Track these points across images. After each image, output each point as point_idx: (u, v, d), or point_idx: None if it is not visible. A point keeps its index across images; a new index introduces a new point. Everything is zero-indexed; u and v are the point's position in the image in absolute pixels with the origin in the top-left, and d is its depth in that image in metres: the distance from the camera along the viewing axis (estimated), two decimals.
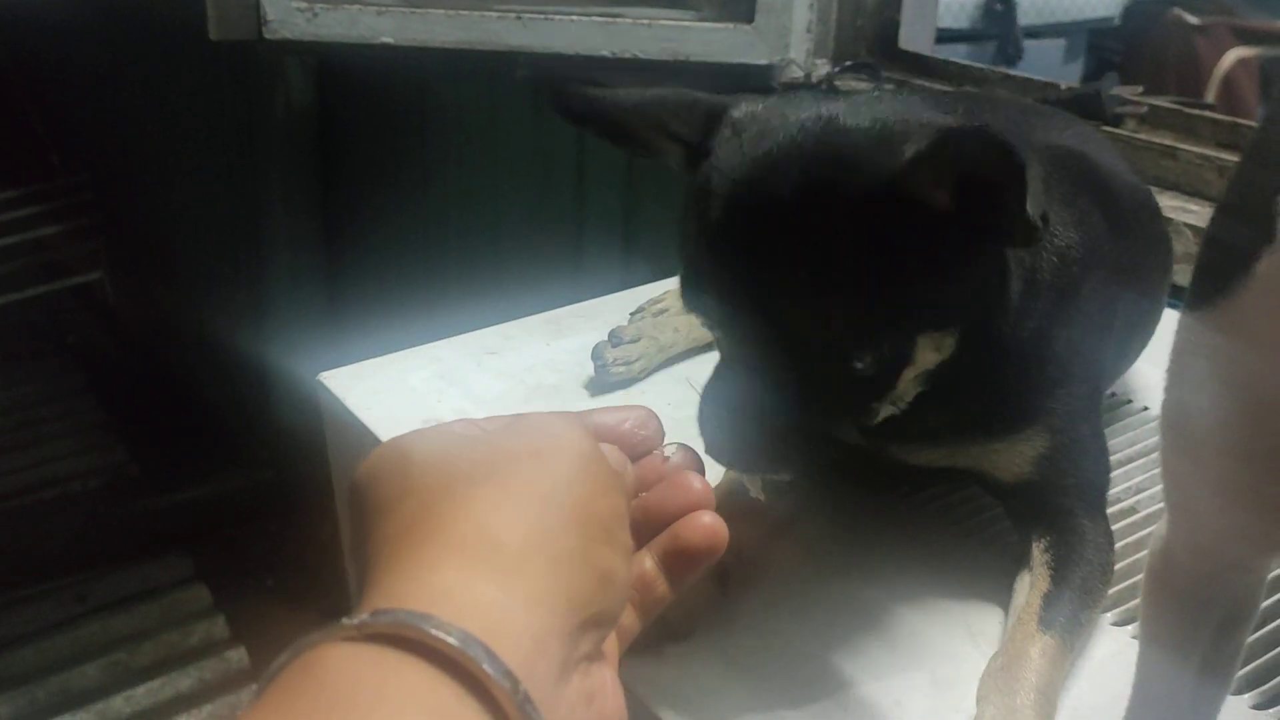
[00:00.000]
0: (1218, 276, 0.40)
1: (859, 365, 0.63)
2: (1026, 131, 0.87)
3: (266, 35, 1.43)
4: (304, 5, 1.41)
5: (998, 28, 2.63)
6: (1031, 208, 0.55)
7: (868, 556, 0.80)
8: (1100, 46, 2.95)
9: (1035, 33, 2.76)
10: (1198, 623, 0.49)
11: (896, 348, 0.65)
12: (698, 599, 0.73)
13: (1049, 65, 2.73)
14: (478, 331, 1.11)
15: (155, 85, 2.94)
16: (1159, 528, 0.50)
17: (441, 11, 1.40)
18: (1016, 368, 0.72)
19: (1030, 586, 0.70)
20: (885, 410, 0.69)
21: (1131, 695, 0.54)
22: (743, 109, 0.67)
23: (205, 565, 2.69)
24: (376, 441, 0.94)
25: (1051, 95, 1.25)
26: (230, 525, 2.79)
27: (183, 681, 2.40)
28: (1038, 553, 0.71)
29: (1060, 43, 2.81)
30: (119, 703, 2.34)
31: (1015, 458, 0.74)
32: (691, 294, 0.69)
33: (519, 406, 0.99)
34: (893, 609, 0.75)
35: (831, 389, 0.66)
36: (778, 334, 0.64)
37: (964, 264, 0.64)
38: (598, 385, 1.01)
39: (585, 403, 0.99)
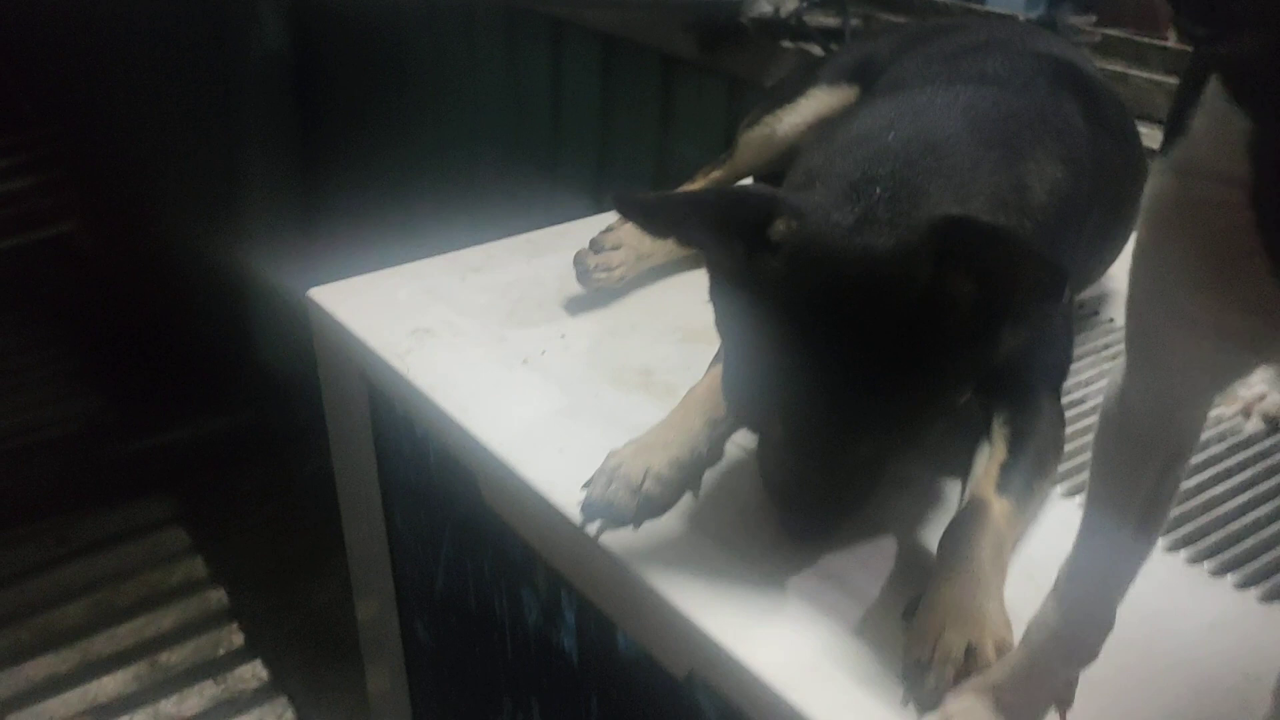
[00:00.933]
0: (1174, 129, 0.45)
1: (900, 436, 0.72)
2: (1029, 43, 0.93)
3: None
4: None
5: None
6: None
7: None
8: None
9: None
10: (1146, 459, 0.54)
11: (932, 411, 0.73)
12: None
13: None
14: (461, 251, 1.15)
15: (126, 33, 2.93)
16: (1114, 378, 0.55)
17: None
18: None
19: (989, 457, 0.75)
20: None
21: (1075, 542, 0.59)
22: (784, 223, 0.71)
23: (185, 507, 2.72)
24: (367, 352, 0.99)
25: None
26: (210, 467, 2.82)
27: (164, 620, 2.43)
28: (997, 426, 0.77)
29: None
30: (101, 641, 2.37)
31: None
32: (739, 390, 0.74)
33: (504, 319, 1.03)
34: None
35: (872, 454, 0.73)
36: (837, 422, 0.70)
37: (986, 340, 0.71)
38: (581, 296, 1.05)
39: (568, 317, 1.04)
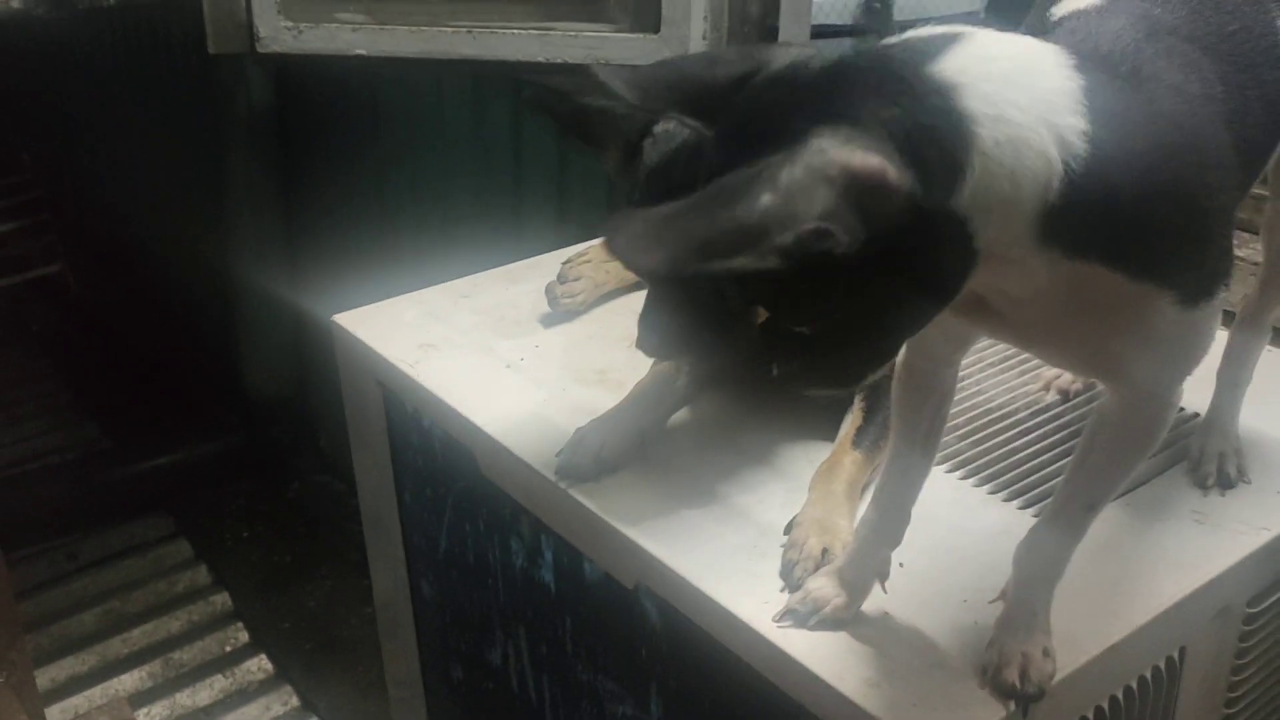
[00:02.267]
0: None
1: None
2: None
3: (259, 49, 1.72)
4: (290, 24, 1.71)
5: (876, 23, 3.02)
6: None
7: (748, 418, 1.14)
8: None
9: (909, 26, 3.14)
10: (923, 401, 0.83)
11: None
12: (623, 446, 1.06)
13: None
14: (453, 281, 1.43)
15: (118, 85, 3.13)
16: (900, 356, 0.84)
17: (405, 28, 1.71)
18: None
19: (849, 421, 1.05)
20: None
21: (884, 466, 0.88)
22: (663, 125, 0.99)
23: (185, 523, 2.92)
24: (383, 362, 1.26)
25: None
26: (206, 486, 3.04)
27: (173, 624, 2.64)
28: (858, 402, 1.06)
29: None
30: (117, 644, 2.58)
31: None
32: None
33: (490, 334, 1.31)
34: (763, 445, 1.09)
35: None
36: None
37: None
38: (550, 316, 1.34)
39: (541, 331, 1.32)
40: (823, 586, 0.88)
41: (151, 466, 3.09)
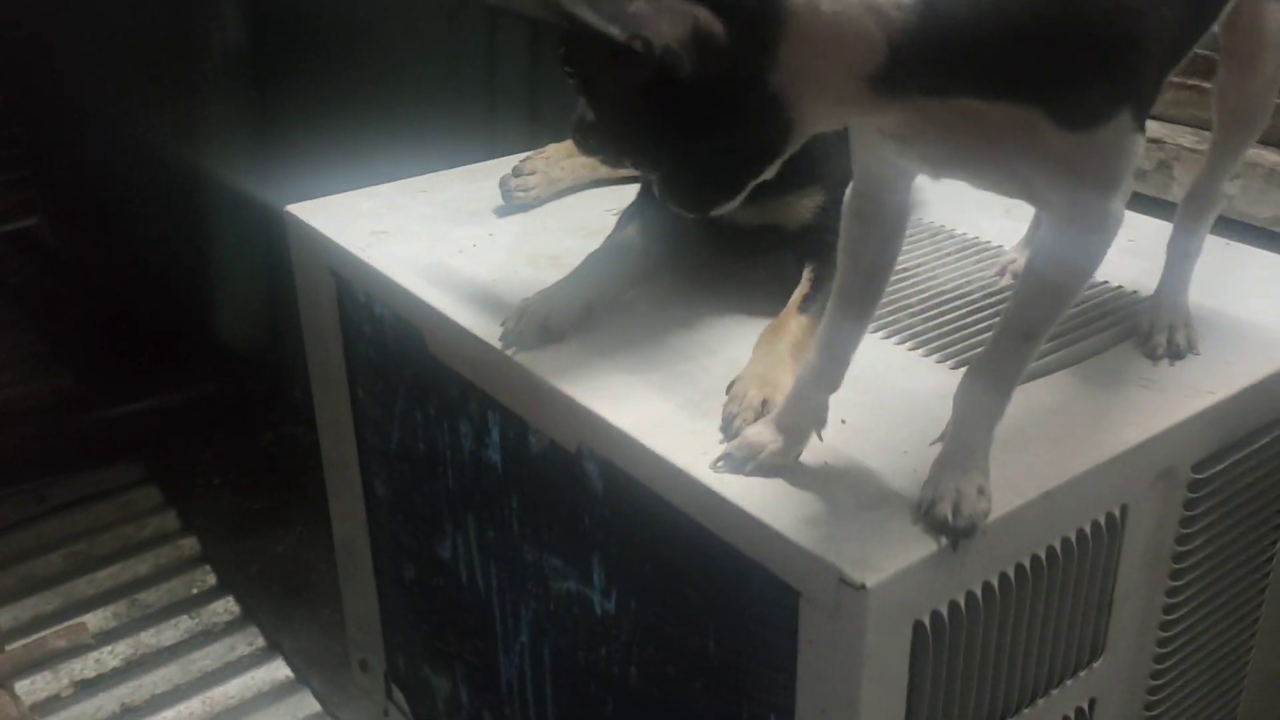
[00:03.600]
0: None
1: None
2: None
3: None
4: None
5: None
6: None
7: (698, 295, 1.13)
8: None
9: None
10: (869, 231, 0.82)
11: None
12: (569, 316, 1.05)
13: None
14: (412, 178, 1.42)
15: (86, 31, 3.11)
16: (851, 183, 0.83)
17: None
18: (808, 144, 1.06)
19: (798, 291, 1.03)
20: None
21: (827, 309, 0.87)
22: None
23: (156, 470, 2.91)
24: (334, 248, 1.25)
25: None
26: (178, 434, 3.03)
27: (140, 566, 2.63)
28: (807, 272, 1.05)
29: None
30: (83, 585, 2.56)
31: (799, 208, 1.07)
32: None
33: (445, 223, 1.30)
34: (712, 318, 1.08)
35: None
36: None
37: None
38: (504, 207, 1.32)
39: (495, 221, 1.31)
40: (760, 433, 0.86)
41: (123, 413, 3.07)
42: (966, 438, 0.81)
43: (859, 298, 0.85)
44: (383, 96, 2.36)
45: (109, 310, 3.47)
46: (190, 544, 2.68)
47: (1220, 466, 0.96)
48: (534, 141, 1.59)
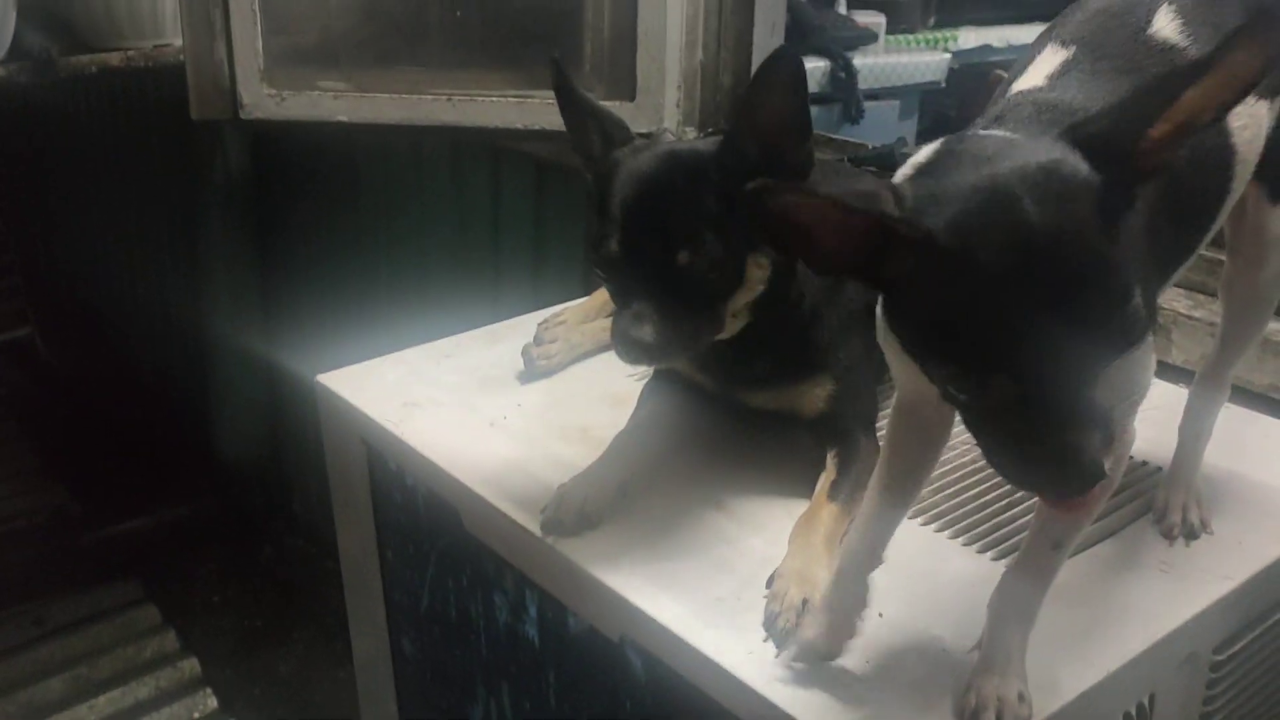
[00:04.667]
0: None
1: (713, 272, 1.02)
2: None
3: (242, 116, 1.76)
4: (273, 91, 1.75)
5: (842, 92, 3.11)
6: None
7: (724, 472, 1.17)
8: (931, 105, 3.48)
9: (874, 95, 3.26)
10: (915, 434, 0.87)
11: (735, 257, 1.03)
12: (605, 500, 1.08)
13: (887, 122, 3.22)
14: (436, 342, 1.46)
15: (93, 150, 3.15)
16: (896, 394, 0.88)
17: (386, 95, 1.75)
18: (814, 336, 1.11)
19: (824, 477, 1.08)
20: (732, 322, 1.06)
21: (867, 496, 0.92)
22: (642, 141, 1.07)
23: (154, 588, 2.91)
24: (367, 421, 1.28)
25: (856, 153, 1.66)
26: (176, 551, 3.03)
27: (141, 690, 2.62)
28: (830, 458, 1.09)
29: (895, 103, 3.33)
30: (84, 711, 2.55)
31: (813, 397, 1.12)
32: (596, 249, 1.06)
33: (473, 393, 1.34)
34: (742, 499, 1.12)
35: (695, 296, 1.03)
36: (656, 261, 1.01)
37: None
38: (526, 375, 1.36)
39: (521, 390, 1.35)
40: (808, 625, 0.90)
41: (121, 531, 3.08)
42: (1004, 642, 0.85)
43: (901, 490, 0.90)
44: (385, 229, 2.41)
45: (104, 422, 3.47)
46: (191, 665, 2.68)
47: (1238, 646, 1.00)
48: (538, 296, 1.64)
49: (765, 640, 0.93)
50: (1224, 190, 0.89)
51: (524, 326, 1.46)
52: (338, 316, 2.59)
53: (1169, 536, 1.04)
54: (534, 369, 1.36)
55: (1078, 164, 0.68)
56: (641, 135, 1.71)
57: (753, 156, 1.00)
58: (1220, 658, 0.99)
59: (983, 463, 1.16)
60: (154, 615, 2.86)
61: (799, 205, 0.70)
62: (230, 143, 2.68)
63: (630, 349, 1.01)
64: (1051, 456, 0.69)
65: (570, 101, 1.10)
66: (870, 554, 0.92)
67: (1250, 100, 0.85)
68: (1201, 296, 1.32)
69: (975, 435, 0.75)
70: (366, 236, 2.44)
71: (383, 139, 2.23)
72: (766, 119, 0.99)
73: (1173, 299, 1.34)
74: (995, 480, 1.15)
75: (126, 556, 3.03)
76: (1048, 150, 0.70)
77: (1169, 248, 0.86)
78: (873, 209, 0.70)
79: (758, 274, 1.05)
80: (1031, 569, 0.84)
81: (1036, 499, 0.86)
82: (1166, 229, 0.81)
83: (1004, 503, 1.11)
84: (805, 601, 0.94)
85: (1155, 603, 0.96)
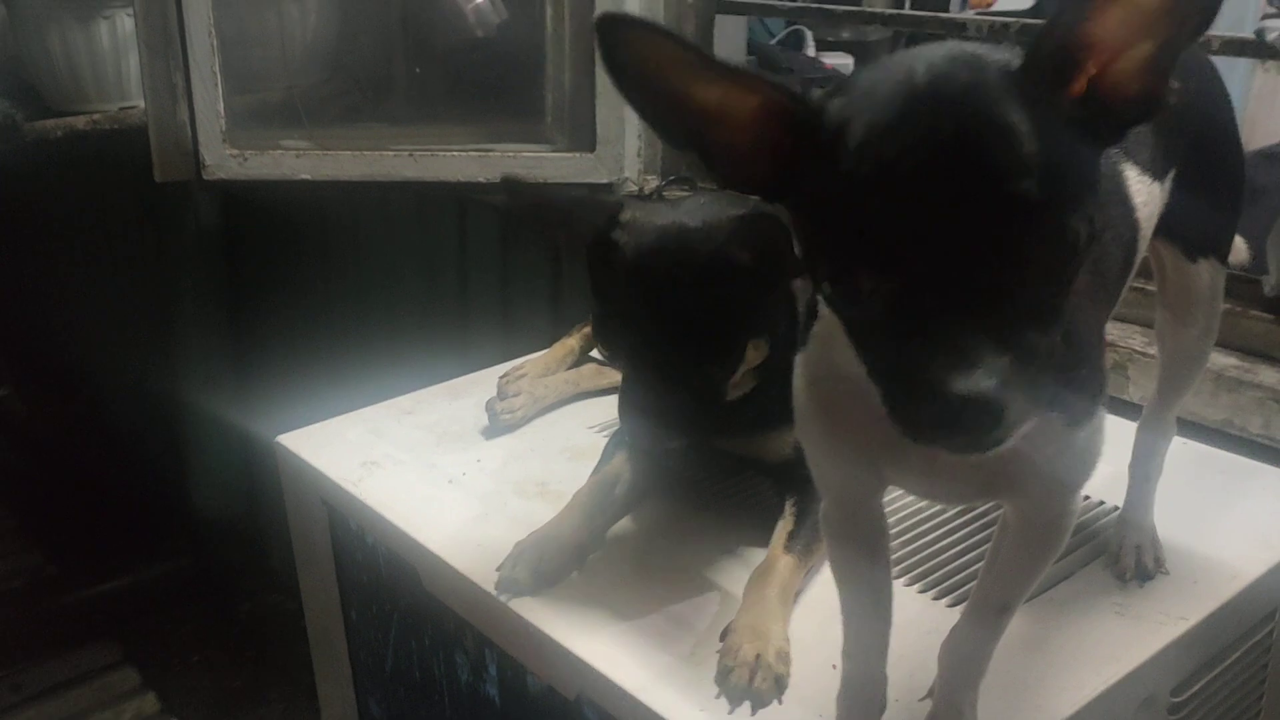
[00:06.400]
0: (800, 344, 0.77)
1: (718, 367, 1.05)
2: None
3: (205, 177, 1.77)
4: (235, 152, 1.76)
5: None
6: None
7: (685, 525, 1.17)
8: None
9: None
10: (853, 550, 0.83)
11: (736, 348, 1.05)
12: (562, 558, 1.08)
13: None
14: (397, 398, 1.46)
15: (61, 207, 3.15)
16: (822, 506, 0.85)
17: (348, 153, 1.76)
18: (781, 386, 1.11)
19: (781, 527, 1.07)
20: (732, 392, 1.08)
21: (843, 629, 0.88)
22: (628, 214, 1.07)
23: (133, 649, 2.88)
24: (327, 482, 1.28)
25: None
26: (154, 611, 3.00)
27: None
28: (788, 507, 1.09)
29: None
30: None
31: (780, 444, 1.12)
32: (601, 333, 1.07)
33: (432, 449, 1.33)
34: (699, 553, 1.12)
35: (700, 380, 1.05)
36: (665, 351, 1.03)
37: (766, 296, 1.04)
38: (491, 430, 1.36)
39: (482, 444, 1.35)
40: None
41: (98, 592, 3.04)
42: (954, 697, 0.85)
43: (872, 611, 0.85)
44: (353, 285, 2.41)
45: (79, 483, 3.44)
46: None
47: (1196, 688, 1.00)
48: (507, 349, 1.64)
49: (717, 696, 0.93)
50: (1131, 257, 0.88)
51: (485, 381, 1.46)
52: (308, 374, 2.59)
53: (1123, 579, 1.04)
54: (499, 423, 1.36)
55: (1006, 56, 0.59)
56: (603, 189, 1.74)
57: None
58: (1178, 699, 0.99)
59: (933, 508, 1.17)
60: (133, 677, 2.83)
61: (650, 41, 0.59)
62: (199, 202, 2.69)
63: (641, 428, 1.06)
64: (926, 385, 0.55)
65: (533, 210, 1.12)
66: (875, 681, 0.86)
67: (1145, 180, 0.86)
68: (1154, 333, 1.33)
69: (865, 363, 0.62)
70: (335, 293, 2.45)
71: (348, 195, 2.24)
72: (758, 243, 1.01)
73: (1128, 336, 1.35)
74: (949, 524, 1.15)
75: (105, 618, 2.99)
76: (980, 49, 0.60)
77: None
78: (743, 70, 0.60)
79: (754, 355, 1.07)
80: (977, 627, 0.83)
81: (989, 552, 0.85)
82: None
83: (959, 548, 1.11)
84: (758, 657, 0.93)
85: (1111, 646, 0.96)
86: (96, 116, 2.25)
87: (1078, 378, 0.69)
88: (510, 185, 1.10)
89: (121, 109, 2.26)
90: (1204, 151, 0.94)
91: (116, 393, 3.28)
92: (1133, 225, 0.84)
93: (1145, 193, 0.85)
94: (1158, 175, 0.88)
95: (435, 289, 2.21)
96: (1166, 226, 0.92)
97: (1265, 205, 1.60)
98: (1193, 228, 0.96)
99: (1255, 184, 1.81)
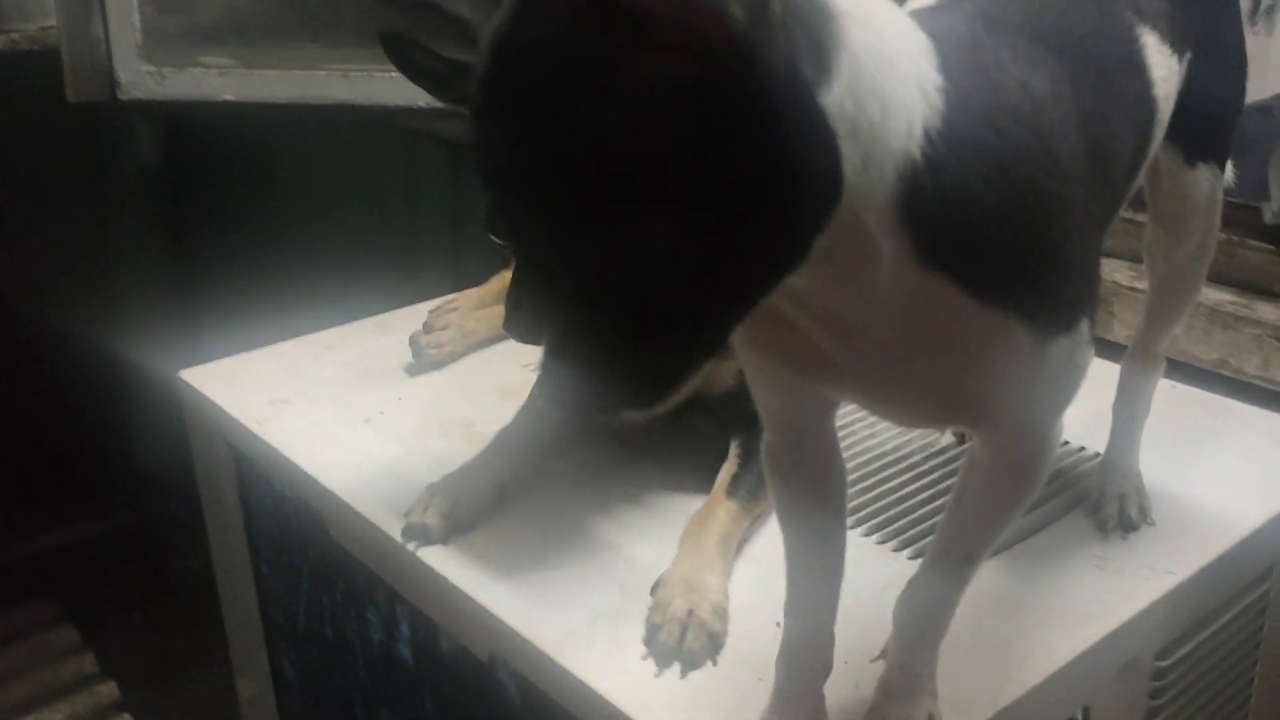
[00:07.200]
0: None
1: None
2: None
3: (120, 96, 1.63)
4: (153, 69, 1.61)
5: None
6: None
7: (618, 469, 1.05)
8: None
9: None
10: (796, 477, 0.71)
11: None
12: (479, 502, 0.96)
13: None
14: (318, 333, 1.33)
15: None
16: (764, 438, 0.74)
17: (275, 71, 1.62)
18: None
19: (724, 470, 0.96)
20: None
21: (786, 578, 0.76)
22: None
23: (72, 607, 2.78)
24: (231, 421, 1.16)
25: None
26: (92, 568, 2.88)
27: (56, 716, 2.49)
28: (734, 447, 0.98)
29: None
30: None
31: (722, 372, 1.00)
32: None
33: (350, 387, 1.21)
34: (633, 499, 1.00)
35: None
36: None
37: None
38: (415, 366, 1.24)
39: (405, 382, 1.23)
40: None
41: (34, 548, 2.93)
42: (910, 660, 0.73)
43: (819, 561, 0.74)
44: (300, 220, 2.29)
45: (10, 433, 3.32)
46: (109, 689, 2.54)
47: (1184, 651, 0.89)
48: (457, 282, 1.52)
49: (645, 658, 0.82)
50: (1144, 145, 0.77)
51: (417, 315, 1.34)
52: (255, 313, 2.46)
53: (1104, 529, 0.93)
54: (423, 359, 1.24)
55: None
56: None
57: None
58: (1164, 664, 0.88)
59: (904, 450, 1.06)
60: (72, 636, 2.72)
61: None
62: (140, 134, 2.55)
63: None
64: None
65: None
66: (817, 651, 0.75)
67: (1166, 51, 0.74)
68: (1143, 267, 1.22)
69: None
70: (283, 229, 2.32)
71: (294, 124, 2.10)
72: None
73: (1114, 270, 1.23)
74: (914, 468, 1.04)
75: (42, 574, 2.88)
76: None
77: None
78: None
79: None
80: (939, 580, 0.72)
81: (939, 530, 0.73)
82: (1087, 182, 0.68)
83: (924, 496, 1.00)
84: (690, 613, 0.82)
85: (1089, 603, 0.85)
86: (15, 36, 2.09)
87: (1049, 280, 0.57)
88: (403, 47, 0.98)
89: (43, 28, 2.11)
90: (1214, 41, 0.82)
91: (50, 337, 3.14)
92: (1148, 105, 0.72)
93: (1165, 66, 0.73)
94: (1178, 50, 0.76)
95: (385, 224, 2.09)
96: (1169, 125, 0.80)
97: (1256, 155, 1.54)
98: (1196, 127, 0.83)
99: (1247, 134, 1.74)
